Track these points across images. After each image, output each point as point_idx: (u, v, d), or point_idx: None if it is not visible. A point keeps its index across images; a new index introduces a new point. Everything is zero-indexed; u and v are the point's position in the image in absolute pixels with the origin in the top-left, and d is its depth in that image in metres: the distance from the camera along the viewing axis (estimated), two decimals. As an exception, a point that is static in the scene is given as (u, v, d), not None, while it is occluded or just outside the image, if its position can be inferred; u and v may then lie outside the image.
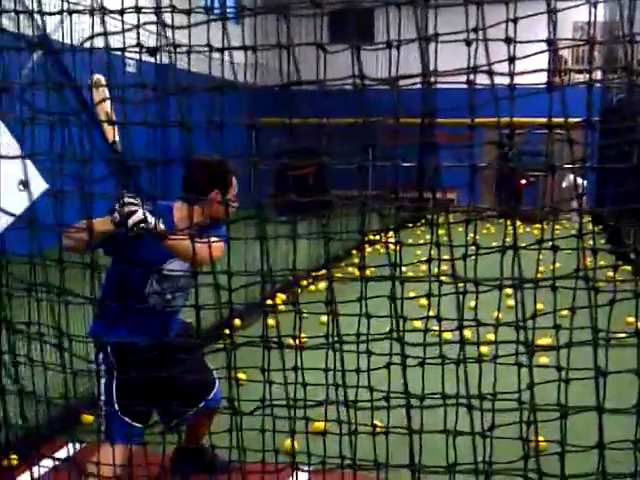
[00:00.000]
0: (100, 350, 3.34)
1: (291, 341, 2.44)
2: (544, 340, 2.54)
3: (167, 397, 3.00)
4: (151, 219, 2.93)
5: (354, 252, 12.26)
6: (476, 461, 2.18)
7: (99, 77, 2.97)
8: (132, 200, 2.92)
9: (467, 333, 2.41)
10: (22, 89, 2.41)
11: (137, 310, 3.21)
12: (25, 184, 2.24)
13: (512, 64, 2.11)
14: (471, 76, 2.07)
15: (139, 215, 2.93)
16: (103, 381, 3.31)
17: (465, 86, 2.14)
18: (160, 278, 3.35)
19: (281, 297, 8.24)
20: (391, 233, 2.38)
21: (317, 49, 2.29)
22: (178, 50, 2.28)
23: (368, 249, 11.08)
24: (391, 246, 2.25)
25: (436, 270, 2.35)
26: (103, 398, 3.29)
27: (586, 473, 2.13)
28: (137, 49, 2.25)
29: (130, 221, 2.93)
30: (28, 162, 2.36)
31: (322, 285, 8.98)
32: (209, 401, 3.68)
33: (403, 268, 2.29)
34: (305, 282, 8.77)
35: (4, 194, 2.28)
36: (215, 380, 3.71)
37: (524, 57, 2.10)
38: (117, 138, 2.97)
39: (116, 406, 3.24)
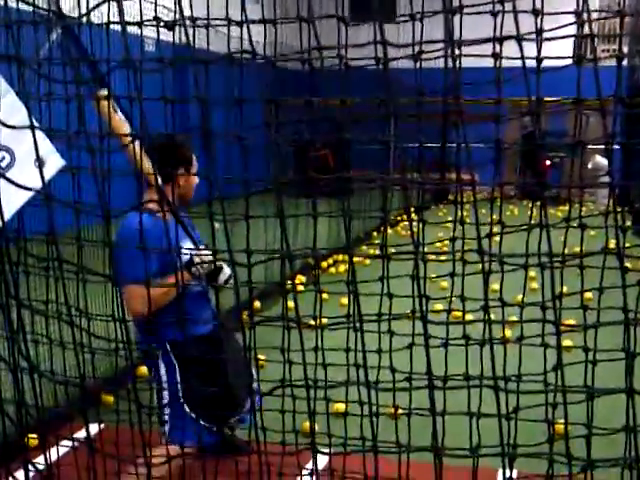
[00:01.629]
0: (156, 354, 3.27)
1: (312, 322, 2.40)
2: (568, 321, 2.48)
3: (228, 387, 3.01)
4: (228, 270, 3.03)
5: (375, 234, 12.20)
6: (502, 444, 2.13)
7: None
8: (208, 255, 2.99)
9: (493, 317, 2.36)
10: (39, 64, 2.38)
11: (192, 300, 3.19)
12: (42, 161, 2.21)
13: (539, 37, 2.04)
14: (497, 48, 2.00)
15: (226, 272, 3.09)
16: (165, 381, 3.24)
17: (489, 64, 2.08)
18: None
19: (301, 279, 8.20)
20: (413, 213, 2.32)
21: (338, 27, 2.24)
22: (196, 25, 2.24)
23: (389, 231, 11.00)
24: (414, 225, 2.20)
25: (459, 249, 2.30)
26: (166, 400, 3.22)
27: (613, 459, 2.08)
28: (154, 23, 2.20)
29: (222, 278, 3.13)
30: (45, 139, 2.34)
31: (342, 268, 8.95)
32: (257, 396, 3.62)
33: (425, 249, 2.24)
34: (325, 264, 8.74)
35: (21, 171, 2.26)
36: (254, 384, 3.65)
37: (552, 29, 2.04)
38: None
39: (185, 406, 3.18)
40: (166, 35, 2.43)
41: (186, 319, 2.87)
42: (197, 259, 3.03)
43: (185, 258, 2.97)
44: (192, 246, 3.18)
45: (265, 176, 2.50)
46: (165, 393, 3.21)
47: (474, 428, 2.22)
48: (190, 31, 2.15)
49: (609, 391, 2.06)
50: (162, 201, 2.59)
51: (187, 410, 3.17)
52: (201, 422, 3.16)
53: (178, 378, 3.19)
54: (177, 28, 2.34)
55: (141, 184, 2.76)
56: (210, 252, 3.05)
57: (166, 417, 3.19)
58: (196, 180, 3.44)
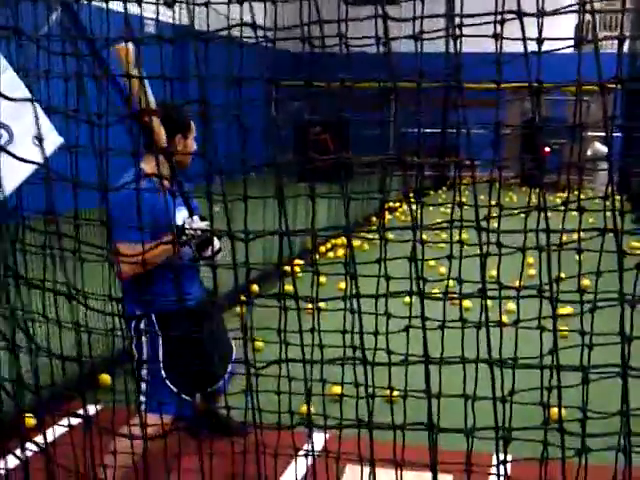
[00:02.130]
0: (139, 320, 3.27)
1: (309, 305, 2.40)
2: (564, 310, 2.48)
3: (209, 362, 3.01)
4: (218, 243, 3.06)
5: (374, 219, 12.20)
6: (496, 426, 2.13)
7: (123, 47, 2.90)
8: (204, 226, 3.00)
9: (490, 302, 2.37)
10: (38, 40, 2.37)
11: (181, 271, 3.19)
12: (40, 139, 2.20)
13: (540, 19, 2.03)
14: (498, 29, 1.99)
15: (217, 245, 3.10)
16: (146, 351, 3.24)
17: (489, 48, 2.07)
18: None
19: (299, 262, 8.21)
20: (412, 197, 2.32)
21: (338, 6, 2.23)
22: (196, 4, 2.23)
23: (388, 216, 11.03)
24: (413, 210, 2.20)
25: (457, 232, 2.29)
26: (146, 372, 3.23)
27: (608, 447, 2.08)
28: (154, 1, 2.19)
29: (209, 252, 3.11)
30: (44, 116, 2.33)
31: (341, 252, 8.96)
32: (233, 365, 3.67)
33: (424, 234, 2.24)
34: (324, 248, 8.75)
35: (19, 148, 2.25)
36: (233, 353, 3.69)
37: (554, 12, 2.02)
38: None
39: (166, 379, 3.18)
40: (165, 16, 2.42)
41: (175, 291, 2.89)
42: (189, 227, 3.03)
43: (177, 225, 2.98)
44: (187, 214, 3.18)
45: (264, 157, 2.49)
46: (145, 364, 3.22)
47: (469, 411, 2.22)
48: (190, 9, 2.14)
49: (603, 373, 2.07)
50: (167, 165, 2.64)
51: (167, 382, 3.18)
52: (180, 395, 3.17)
53: (160, 349, 3.20)
54: (177, 7, 2.33)
55: (138, 150, 2.76)
56: (203, 223, 3.05)
57: (143, 386, 3.20)
58: (194, 146, 3.42)
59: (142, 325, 3.24)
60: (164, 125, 3.08)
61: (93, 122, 2.16)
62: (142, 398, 3.16)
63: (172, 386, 3.16)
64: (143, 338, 3.22)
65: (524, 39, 1.91)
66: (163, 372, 3.18)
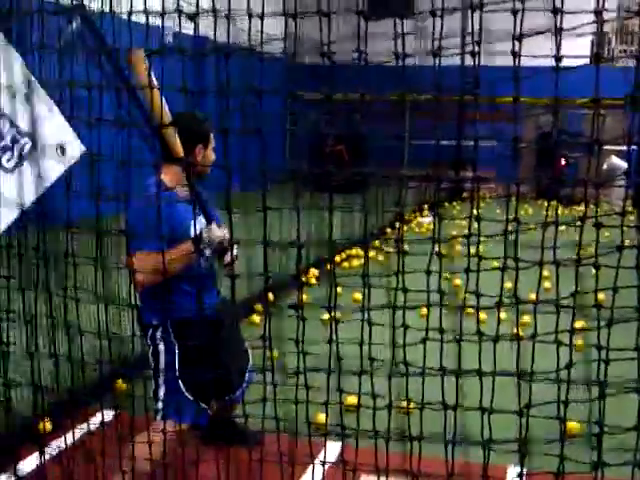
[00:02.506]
0: (156, 328, 3.27)
1: (325, 316, 2.42)
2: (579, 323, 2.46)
3: (225, 371, 3.02)
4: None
5: (389, 230, 12.19)
6: (520, 439, 2.14)
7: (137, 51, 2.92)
8: (224, 234, 3.02)
9: (504, 315, 2.38)
10: (61, 52, 2.41)
11: (198, 281, 3.20)
12: (63, 148, 2.24)
13: (559, 36, 2.05)
14: (516, 47, 2.01)
15: (235, 253, 3.09)
16: (163, 360, 3.25)
17: (506, 62, 2.08)
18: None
19: (314, 272, 8.22)
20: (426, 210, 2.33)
21: (358, 23, 2.25)
22: (217, 16, 2.26)
23: (404, 227, 10.97)
24: (428, 224, 2.21)
25: (474, 247, 2.30)
26: (162, 381, 3.23)
27: (624, 462, 2.08)
28: (176, 15, 2.22)
29: (227, 258, 3.12)
30: (66, 125, 2.36)
31: (356, 262, 8.95)
32: (250, 373, 3.66)
33: (440, 245, 2.25)
34: (339, 259, 8.76)
35: (42, 157, 2.29)
36: (249, 362, 3.67)
37: (571, 29, 2.04)
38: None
39: (182, 387, 3.18)
40: (185, 28, 2.45)
41: (192, 300, 2.91)
42: (206, 235, 3.03)
43: (196, 232, 2.98)
44: (205, 222, 3.18)
45: (282, 169, 2.52)
46: (162, 372, 3.22)
47: (485, 423, 2.23)
48: (211, 23, 2.17)
49: (621, 388, 2.07)
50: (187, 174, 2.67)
51: (183, 390, 3.17)
52: (197, 403, 3.16)
53: (177, 358, 3.20)
54: (197, 20, 2.36)
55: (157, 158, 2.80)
56: (221, 231, 3.05)
57: (162, 394, 3.20)
58: (213, 156, 3.42)
59: (159, 334, 3.25)
60: (184, 136, 3.10)
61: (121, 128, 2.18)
62: (159, 405, 3.18)
63: (188, 394, 3.17)
64: (160, 346, 3.23)
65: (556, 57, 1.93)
66: (180, 380, 3.19)
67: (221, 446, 2.78)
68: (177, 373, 3.16)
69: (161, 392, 3.19)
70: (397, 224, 8.21)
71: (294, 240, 2.34)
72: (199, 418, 3.13)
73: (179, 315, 3.15)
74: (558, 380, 2.14)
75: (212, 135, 3.42)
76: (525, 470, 2.26)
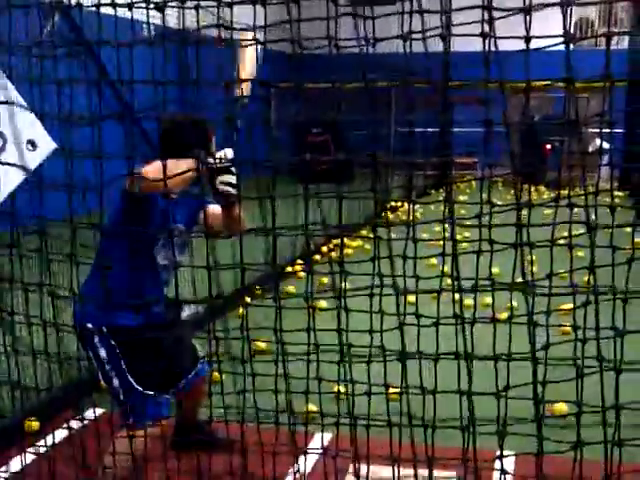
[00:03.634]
0: (93, 335, 3.17)
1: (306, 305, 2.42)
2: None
3: (170, 365, 2.96)
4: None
5: (374, 219, 12.16)
6: (498, 421, 2.14)
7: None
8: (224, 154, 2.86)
9: (486, 298, 2.38)
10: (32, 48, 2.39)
11: (148, 288, 3.11)
12: (34, 144, 2.22)
13: (529, 15, 2.03)
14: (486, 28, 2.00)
15: (232, 177, 2.87)
16: (109, 367, 3.16)
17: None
18: (168, 250, 3.12)
19: (301, 265, 8.20)
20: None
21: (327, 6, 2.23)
22: (185, 7, 2.24)
23: (390, 216, 10.97)
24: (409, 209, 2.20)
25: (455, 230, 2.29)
26: (117, 383, 3.16)
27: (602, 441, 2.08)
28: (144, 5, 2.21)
29: (225, 179, 2.85)
30: (36, 122, 2.35)
31: (348, 251, 8.94)
32: (200, 369, 3.53)
33: (425, 233, 2.25)
34: (325, 249, 8.75)
35: (12, 154, 2.27)
36: (199, 355, 3.56)
37: (542, 5, 2.03)
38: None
39: (135, 384, 3.11)
40: (158, 18, 2.42)
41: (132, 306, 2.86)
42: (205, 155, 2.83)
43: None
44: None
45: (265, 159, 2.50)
46: (112, 375, 3.14)
47: (464, 407, 2.23)
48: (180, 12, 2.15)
49: (596, 368, 2.08)
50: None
51: (137, 386, 3.11)
52: (155, 395, 3.07)
53: (121, 361, 3.11)
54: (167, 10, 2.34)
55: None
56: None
57: (122, 397, 3.13)
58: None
59: (97, 340, 3.14)
60: (184, 142, 2.99)
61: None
62: (122, 406, 3.12)
63: (142, 388, 3.10)
64: (101, 352, 3.13)
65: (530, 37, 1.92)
66: (129, 377, 3.11)
67: (190, 452, 2.78)
68: (129, 377, 3.09)
69: (121, 396, 3.12)
70: (383, 213, 8.21)
71: (269, 228, 2.34)
72: (161, 409, 3.07)
73: (117, 322, 3.07)
74: (535, 361, 2.14)
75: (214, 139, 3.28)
76: (506, 452, 2.26)
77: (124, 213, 2.97)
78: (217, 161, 2.81)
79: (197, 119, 3.17)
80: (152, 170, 2.59)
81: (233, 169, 2.82)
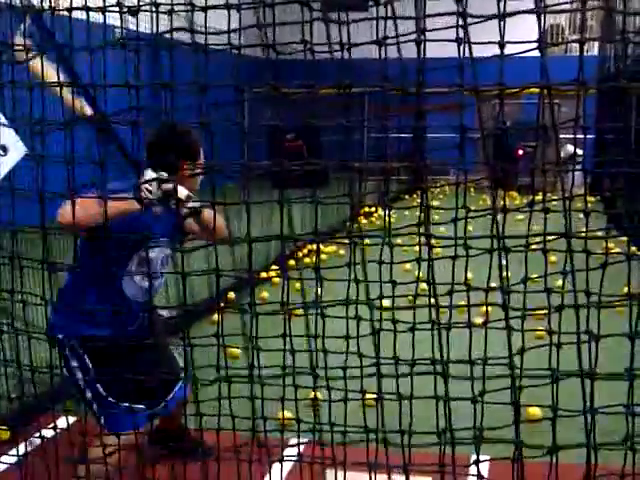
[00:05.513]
0: (64, 346, 3.11)
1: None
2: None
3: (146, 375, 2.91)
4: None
5: (348, 224, 12.19)
6: (474, 427, 2.15)
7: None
8: (167, 177, 2.68)
9: (461, 302, 2.38)
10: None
11: (114, 301, 3.05)
12: (4, 149, 2.19)
13: (503, 21, 2.04)
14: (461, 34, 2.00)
15: (183, 191, 2.75)
16: (80, 376, 3.10)
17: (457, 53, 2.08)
18: (141, 262, 3.06)
19: (275, 270, 8.19)
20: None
21: (302, 11, 2.23)
22: (159, 12, 2.23)
23: (363, 221, 11.02)
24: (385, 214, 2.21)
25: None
26: (89, 394, 3.12)
27: (578, 444, 2.09)
28: (117, 9, 2.19)
29: (180, 196, 2.72)
30: (8, 127, 2.32)
31: (322, 257, 8.95)
32: (182, 388, 3.45)
33: (399, 239, 2.25)
34: (300, 254, 8.74)
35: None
36: (180, 372, 3.47)
37: (515, 13, 2.03)
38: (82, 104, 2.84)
39: (106, 395, 3.06)
40: (132, 23, 2.41)
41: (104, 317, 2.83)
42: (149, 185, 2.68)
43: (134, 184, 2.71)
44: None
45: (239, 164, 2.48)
46: (84, 386, 3.10)
47: (441, 413, 2.23)
48: (153, 18, 2.14)
49: (571, 373, 2.09)
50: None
51: (110, 398, 3.07)
52: (130, 406, 3.02)
53: (92, 373, 3.07)
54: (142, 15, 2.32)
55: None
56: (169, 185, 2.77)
57: (96, 408, 3.09)
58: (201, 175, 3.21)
59: (67, 351, 3.10)
60: (172, 149, 2.93)
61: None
62: (100, 420, 3.08)
63: (114, 399, 3.05)
64: (73, 363, 3.09)
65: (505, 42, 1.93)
66: (100, 388, 3.06)
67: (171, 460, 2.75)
68: (100, 388, 3.06)
69: (95, 407, 3.08)
70: (356, 218, 8.28)
71: (246, 236, 2.33)
72: (137, 420, 2.99)
73: (86, 332, 3.03)
74: (511, 367, 2.14)
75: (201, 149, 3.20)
76: (483, 458, 2.26)
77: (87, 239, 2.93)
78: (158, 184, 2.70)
79: (184, 129, 3.11)
80: (66, 212, 2.52)
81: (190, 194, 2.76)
